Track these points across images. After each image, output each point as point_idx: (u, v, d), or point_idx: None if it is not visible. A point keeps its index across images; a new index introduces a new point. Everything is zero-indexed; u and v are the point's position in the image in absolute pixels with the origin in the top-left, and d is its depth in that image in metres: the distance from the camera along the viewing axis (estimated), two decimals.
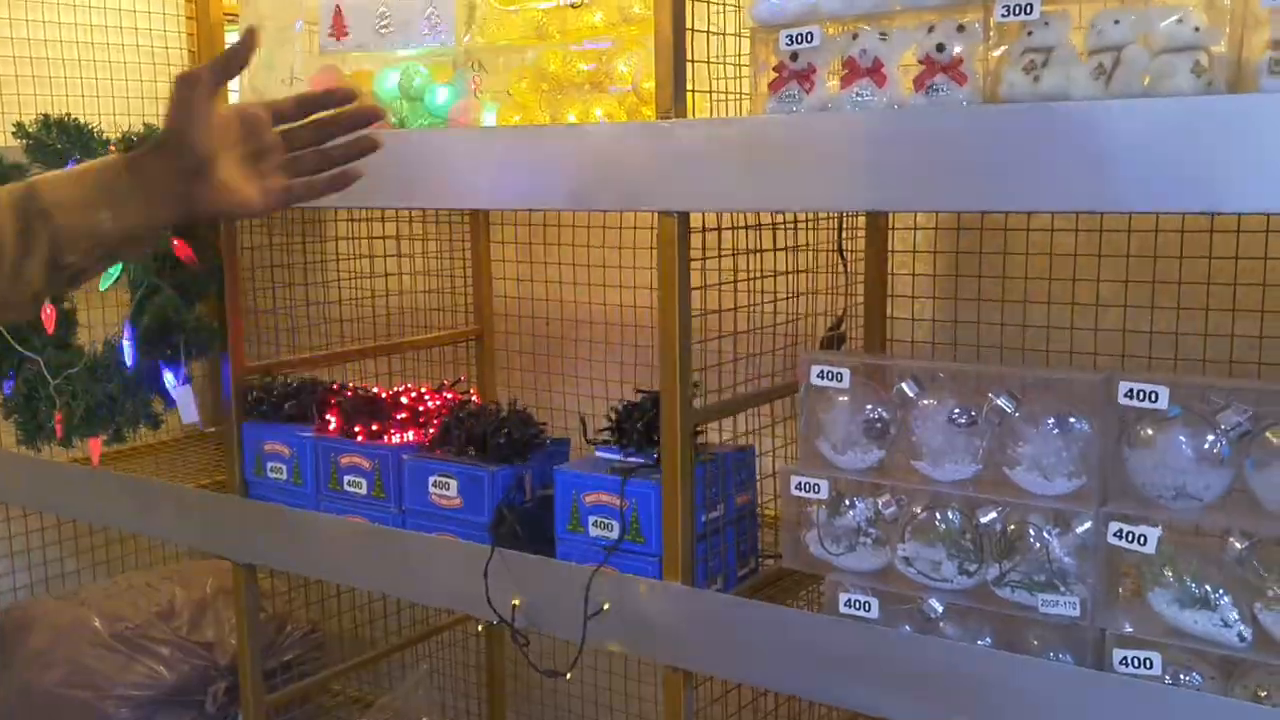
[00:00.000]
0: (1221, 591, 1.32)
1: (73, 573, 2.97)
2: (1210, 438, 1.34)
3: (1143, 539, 1.34)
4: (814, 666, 1.57)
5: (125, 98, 2.86)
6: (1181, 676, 1.34)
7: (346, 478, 2.06)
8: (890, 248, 2.10)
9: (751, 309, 1.98)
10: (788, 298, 2.06)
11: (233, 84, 2.16)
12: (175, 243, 2.05)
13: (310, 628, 2.81)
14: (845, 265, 2.10)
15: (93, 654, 2.59)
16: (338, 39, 1.99)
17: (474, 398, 2.26)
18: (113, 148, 2.12)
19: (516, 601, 1.81)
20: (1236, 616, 1.31)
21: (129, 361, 2.05)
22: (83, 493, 2.43)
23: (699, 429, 1.77)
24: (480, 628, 2.52)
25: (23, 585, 2.86)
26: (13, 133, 2.17)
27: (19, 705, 2.68)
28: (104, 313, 2.58)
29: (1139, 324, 1.87)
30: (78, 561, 2.99)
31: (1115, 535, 1.36)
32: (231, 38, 2.19)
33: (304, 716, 2.69)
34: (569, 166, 1.68)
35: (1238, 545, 1.32)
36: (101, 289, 2.12)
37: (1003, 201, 1.36)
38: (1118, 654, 1.37)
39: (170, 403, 2.14)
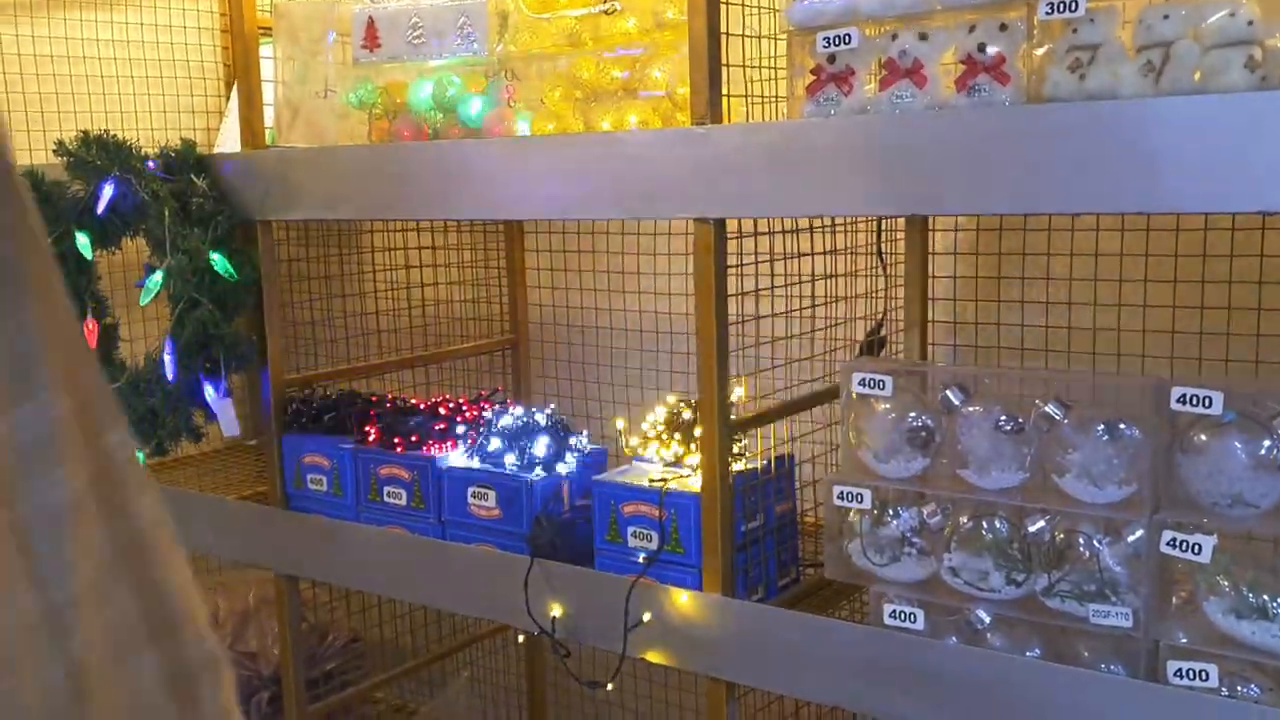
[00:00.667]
0: None
1: None
2: (1267, 443, 1.31)
3: (1197, 548, 1.30)
4: (857, 678, 1.54)
5: (163, 112, 2.88)
6: (1239, 688, 1.30)
7: (386, 489, 2.06)
8: (931, 249, 2.07)
9: (789, 315, 1.96)
10: (826, 302, 2.03)
11: (268, 98, 2.18)
12: (214, 257, 2.06)
13: (352, 637, 2.82)
14: (885, 268, 2.07)
15: None
16: (370, 50, 1.99)
17: (511, 408, 2.24)
18: (151, 164, 2.13)
19: (556, 613, 1.80)
20: None
21: (170, 375, 2.06)
22: None
23: (738, 437, 1.75)
24: (520, 638, 2.51)
25: None
26: (54, 150, 2.19)
27: None
28: (144, 326, 2.60)
29: (1188, 325, 1.82)
30: None
31: (1168, 544, 1.32)
32: (266, 51, 2.20)
33: None
34: (604, 175, 1.67)
35: None
36: (142, 304, 2.13)
37: (1049, 204, 1.33)
38: (1172, 665, 1.33)
39: (211, 416, 2.15)
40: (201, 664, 0.52)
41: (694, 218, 1.60)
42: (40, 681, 0.44)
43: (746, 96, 1.77)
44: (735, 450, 1.74)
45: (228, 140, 2.72)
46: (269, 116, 2.18)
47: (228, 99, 2.94)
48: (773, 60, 1.83)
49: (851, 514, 1.58)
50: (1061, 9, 1.28)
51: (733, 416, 1.68)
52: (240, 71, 2.12)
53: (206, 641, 0.52)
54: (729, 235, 1.64)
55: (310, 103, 2.20)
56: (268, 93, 2.18)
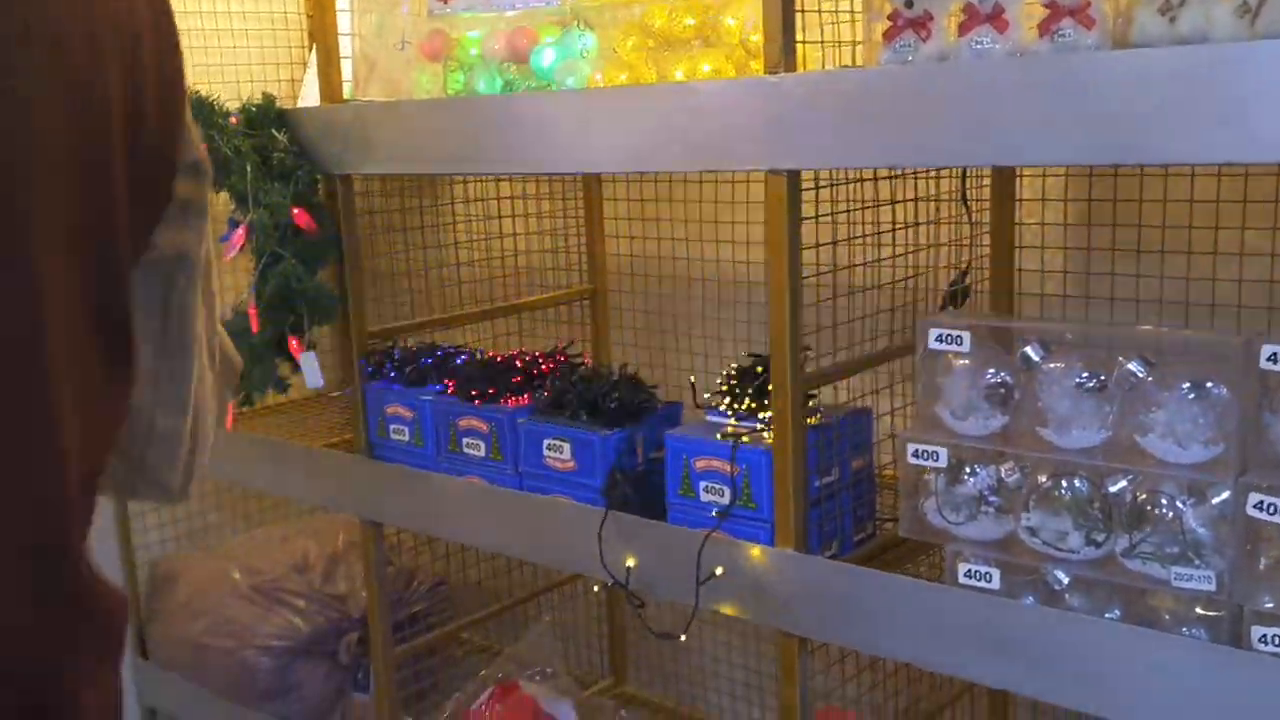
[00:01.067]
0: None
1: (216, 526, 3.11)
2: None
3: None
4: (931, 636, 1.53)
5: (248, 64, 2.91)
6: None
7: (465, 440, 2.09)
8: (1018, 196, 2.00)
9: (868, 266, 1.92)
10: (906, 252, 1.99)
11: (344, 51, 2.19)
12: (295, 211, 2.09)
13: (437, 580, 2.89)
14: (969, 215, 2.02)
15: (234, 605, 2.71)
16: (445, 2, 1.98)
17: (586, 361, 2.25)
18: (234, 119, 2.16)
19: (630, 564, 1.82)
20: None
21: (255, 329, 2.11)
22: (220, 454, 2.52)
23: (813, 392, 1.73)
24: (596, 587, 2.54)
25: (169, 538, 3.01)
26: None
27: (171, 651, 2.83)
28: (235, 278, 2.67)
29: None
30: (220, 516, 3.12)
31: (1255, 506, 1.28)
32: (343, 4, 2.21)
33: (433, 666, 2.77)
34: (675, 126, 1.64)
35: None
36: (226, 259, 2.18)
37: (1138, 154, 1.27)
38: (1257, 631, 1.29)
39: (296, 368, 2.20)
40: (233, 374, 0.98)
41: (767, 170, 1.57)
42: (214, 404, 0.90)
43: (822, 42, 1.73)
44: (810, 404, 1.72)
45: (311, 93, 2.75)
46: (347, 70, 2.19)
47: (311, 50, 2.97)
48: (850, 4, 1.77)
49: (927, 472, 1.56)
50: None
51: (807, 370, 1.66)
52: (317, 25, 2.14)
53: (234, 358, 0.98)
54: (804, 185, 1.60)
55: (387, 56, 2.21)
56: (346, 46, 2.19)
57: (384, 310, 2.73)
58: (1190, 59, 1.19)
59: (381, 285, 2.75)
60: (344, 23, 2.18)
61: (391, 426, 2.21)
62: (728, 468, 1.70)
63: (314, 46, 2.72)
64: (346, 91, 2.19)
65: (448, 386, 2.15)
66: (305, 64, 2.99)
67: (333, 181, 2.18)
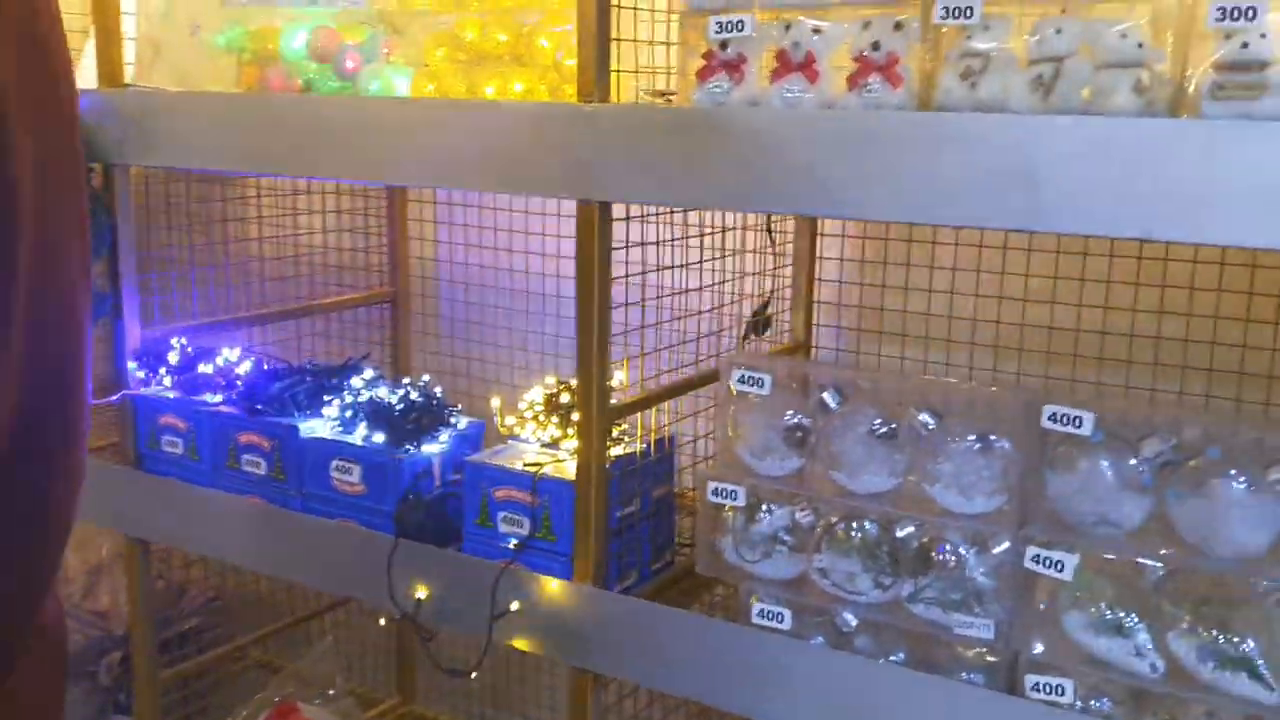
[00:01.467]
0: (1136, 619, 1.30)
1: None
2: (1132, 463, 1.32)
3: (1060, 565, 1.31)
4: (722, 674, 1.53)
5: None
6: (1093, 703, 1.32)
7: (245, 456, 1.97)
8: (820, 231, 2.04)
9: (676, 294, 1.91)
10: (714, 285, 2.00)
11: (129, 31, 2.02)
12: None
13: (213, 595, 2.72)
14: (774, 246, 2.04)
15: None
16: None
17: (382, 374, 2.16)
18: None
19: (421, 595, 1.75)
20: (1150, 646, 1.29)
21: None
22: None
23: (618, 423, 1.71)
24: (381, 621, 2.44)
25: None
26: None
27: None
28: None
29: (1066, 320, 1.84)
30: None
31: (1032, 559, 1.33)
32: None
33: (204, 687, 2.61)
34: (486, 145, 1.58)
35: (1154, 574, 1.30)
36: None
37: (933, 215, 1.30)
38: (1030, 679, 1.35)
39: None
40: None
41: (578, 199, 1.53)
42: None
43: (638, 71, 1.70)
44: (615, 434, 1.69)
45: (90, 73, 2.53)
46: (130, 53, 2.02)
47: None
48: (668, 37, 1.76)
49: (726, 510, 1.56)
50: (956, 14, 1.24)
51: (613, 402, 1.63)
52: (97, 2, 1.96)
53: None
54: (615, 216, 1.58)
55: (175, 41, 2.05)
56: (130, 26, 2.02)
57: (165, 307, 2.55)
58: (988, 127, 1.22)
59: (164, 281, 2.56)
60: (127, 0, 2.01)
61: (164, 438, 2.06)
62: (528, 498, 1.66)
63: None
64: (129, 75, 2.02)
65: (228, 397, 2.02)
66: (87, 32, 2.75)
67: (109, 169, 2.01)
